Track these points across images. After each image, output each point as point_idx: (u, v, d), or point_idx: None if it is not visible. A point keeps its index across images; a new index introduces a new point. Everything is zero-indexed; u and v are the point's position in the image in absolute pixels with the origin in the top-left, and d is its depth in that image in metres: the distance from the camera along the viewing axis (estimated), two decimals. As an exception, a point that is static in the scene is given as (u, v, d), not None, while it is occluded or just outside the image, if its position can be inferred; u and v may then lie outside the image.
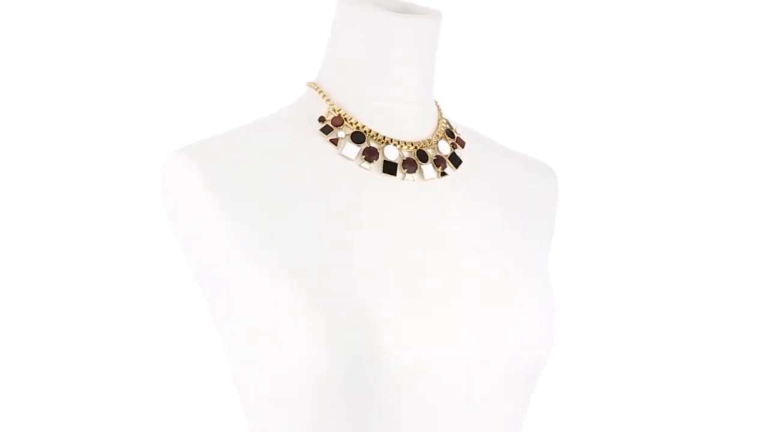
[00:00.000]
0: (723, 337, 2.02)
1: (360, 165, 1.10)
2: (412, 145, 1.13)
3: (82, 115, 1.92)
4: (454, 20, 1.29)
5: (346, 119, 1.12)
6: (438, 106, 1.20)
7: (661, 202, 2.04)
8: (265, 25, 1.92)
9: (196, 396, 1.89)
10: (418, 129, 1.15)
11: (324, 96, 1.14)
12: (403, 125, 1.13)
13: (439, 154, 1.14)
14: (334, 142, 1.11)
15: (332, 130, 1.11)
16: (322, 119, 1.12)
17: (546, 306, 1.12)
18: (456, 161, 1.16)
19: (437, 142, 1.15)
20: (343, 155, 1.10)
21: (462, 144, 1.18)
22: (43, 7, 1.91)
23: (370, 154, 1.10)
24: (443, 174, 1.14)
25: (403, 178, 1.11)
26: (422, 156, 1.13)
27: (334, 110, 1.12)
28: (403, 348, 0.99)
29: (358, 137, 1.11)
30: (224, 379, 1.84)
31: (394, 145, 1.12)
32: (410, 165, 1.11)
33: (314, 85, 1.15)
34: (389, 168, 1.10)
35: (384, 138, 1.11)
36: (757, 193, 2.04)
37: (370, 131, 1.11)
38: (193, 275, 1.09)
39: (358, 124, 1.12)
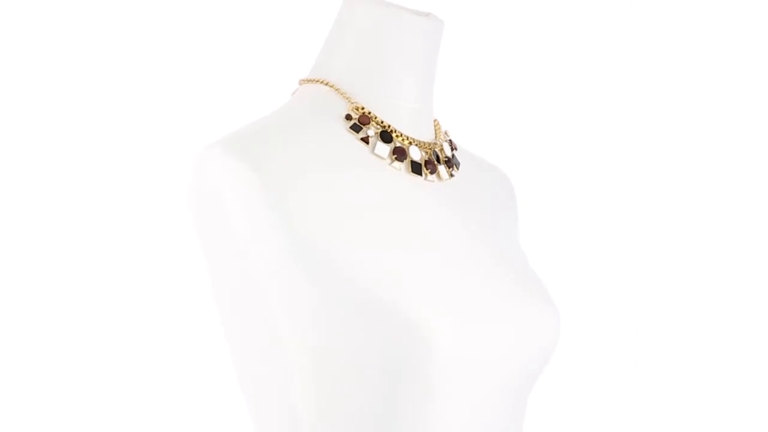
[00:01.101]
0: (722, 337, 2.02)
1: (390, 164, 1.10)
2: (427, 145, 1.13)
3: (78, 115, 1.92)
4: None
5: (371, 118, 1.11)
6: None
7: (658, 202, 2.04)
8: (243, 24, 1.92)
9: (199, 399, 1.89)
10: (424, 130, 1.15)
11: (343, 94, 1.12)
12: (414, 125, 1.13)
13: (448, 156, 1.16)
14: (365, 140, 1.10)
15: (361, 128, 1.10)
16: (348, 117, 1.10)
17: (551, 301, 1.14)
18: (457, 163, 1.18)
19: (442, 143, 1.16)
20: (375, 154, 1.09)
21: (455, 147, 1.20)
22: (40, 6, 1.91)
23: (401, 154, 1.10)
24: (451, 175, 1.15)
25: (425, 179, 1.11)
26: (435, 157, 1.14)
27: (358, 109, 1.11)
28: (450, 349, 0.99)
29: (385, 136, 1.10)
30: (223, 384, 1.85)
31: (416, 145, 1.12)
32: (432, 166, 1.12)
33: (324, 82, 1.13)
34: (416, 168, 1.11)
35: (407, 138, 1.11)
36: (756, 193, 2.04)
37: (395, 131, 1.11)
38: (212, 276, 1.06)
39: (383, 123, 1.11)
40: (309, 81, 1.15)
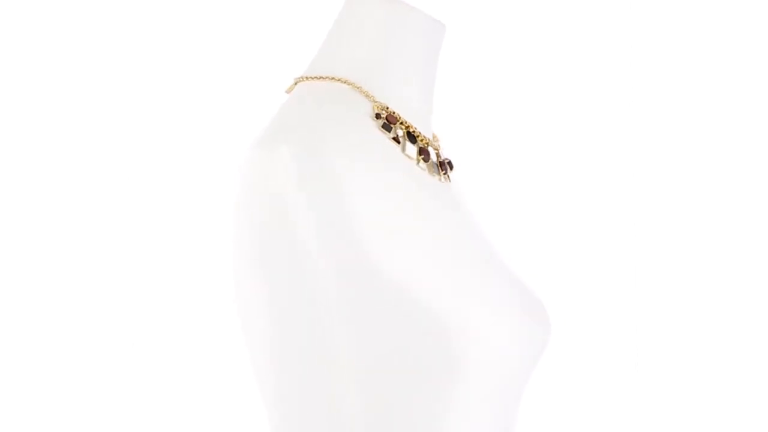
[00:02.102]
0: (722, 337, 2.03)
1: (417, 165, 1.09)
2: (435, 147, 1.14)
3: (78, 115, 1.92)
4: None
5: (396, 118, 1.10)
6: None
7: (658, 202, 2.05)
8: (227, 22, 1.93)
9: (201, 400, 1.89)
10: (426, 131, 1.15)
11: (365, 93, 1.10)
12: (421, 127, 1.13)
13: (449, 158, 1.17)
14: (396, 140, 1.08)
15: (391, 128, 1.09)
16: (378, 116, 1.08)
17: (542, 297, 1.16)
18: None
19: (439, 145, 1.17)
20: (406, 155, 1.09)
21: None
22: (40, 7, 1.91)
23: (426, 155, 1.10)
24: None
25: (439, 180, 1.12)
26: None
27: (384, 108, 1.09)
28: (490, 351, 1.01)
29: (410, 137, 1.10)
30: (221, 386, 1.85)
31: (431, 146, 1.12)
32: (444, 167, 1.13)
33: (344, 80, 1.10)
34: (436, 169, 1.11)
35: (425, 139, 1.11)
36: (755, 193, 2.04)
37: (415, 131, 1.11)
38: (247, 281, 1.05)
39: (406, 123, 1.10)
40: (320, 78, 1.12)
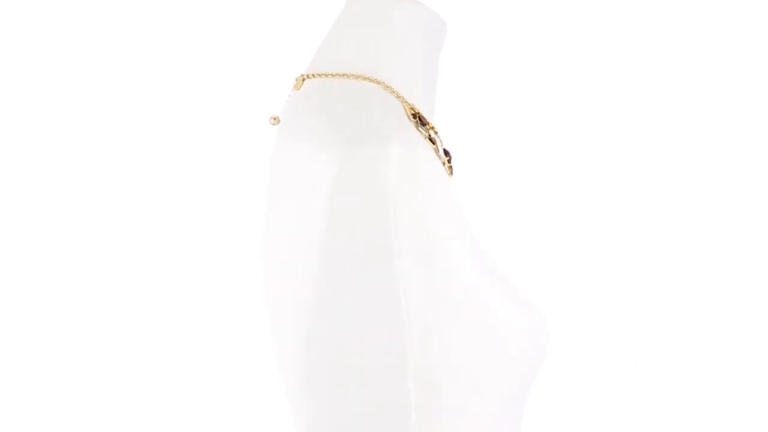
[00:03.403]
0: (722, 337, 2.03)
1: (443, 165, 1.09)
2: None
3: (74, 115, 1.93)
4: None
5: (424, 118, 1.09)
6: None
7: (658, 202, 2.05)
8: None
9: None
10: None
11: (395, 92, 1.07)
12: None
13: None
14: (431, 140, 1.08)
15: (426, 128, 1.08)
16: (414, 116, 1.07)
17: None
18: None
19: None
20: (439, 155, 1.08)
21: None
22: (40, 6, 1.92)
23: (450, 156, 1.11)
24: None
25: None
26: None
27: (412, 107, 1.08)
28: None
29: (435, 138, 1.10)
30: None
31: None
32: (451, 169, 1.13)
33: (373, 80, 1.07)
34: (451, 170, 1.12)
35: (441, 140, 1.11)
36: (756, 193, 2.04)
37: (437, 131, 1.10)
38: (318, 264, 1.04)
39: (430, 124, 1.09)
40: (344, 76, 1.09)
